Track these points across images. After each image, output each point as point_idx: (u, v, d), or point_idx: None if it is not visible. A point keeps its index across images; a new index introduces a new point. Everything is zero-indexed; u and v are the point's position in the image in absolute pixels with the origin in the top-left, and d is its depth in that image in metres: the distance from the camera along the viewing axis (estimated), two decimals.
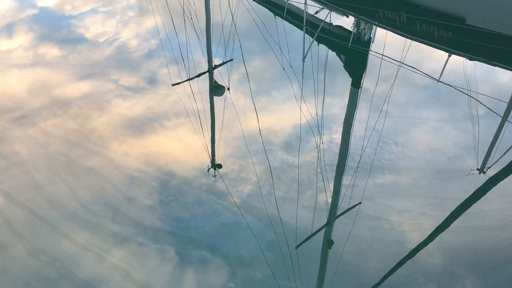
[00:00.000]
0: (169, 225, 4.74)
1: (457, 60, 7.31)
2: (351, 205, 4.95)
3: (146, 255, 4.39)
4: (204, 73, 7.45)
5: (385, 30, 8.02)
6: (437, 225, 4.69)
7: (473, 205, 4.94)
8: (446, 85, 6.86)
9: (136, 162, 5.53)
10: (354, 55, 7.90)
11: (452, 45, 7.30)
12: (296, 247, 4.46)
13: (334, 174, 5.42)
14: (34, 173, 5.36)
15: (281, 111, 6.51)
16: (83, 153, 5.67)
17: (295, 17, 9.02)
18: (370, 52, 7.88)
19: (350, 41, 7.95)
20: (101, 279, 4.18)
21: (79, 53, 8.06)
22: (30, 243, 4.52)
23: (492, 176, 5.34)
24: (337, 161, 5.62)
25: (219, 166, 5.49)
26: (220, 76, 7.32)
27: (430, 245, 4.47)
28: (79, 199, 5.00)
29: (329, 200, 5.08)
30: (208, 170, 5.42)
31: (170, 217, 4.84)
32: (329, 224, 4.79)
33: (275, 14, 9.21)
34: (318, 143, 5.85)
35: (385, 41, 7.72)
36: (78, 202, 4.97)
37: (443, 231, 4.64)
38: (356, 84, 7.21)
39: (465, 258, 4.36)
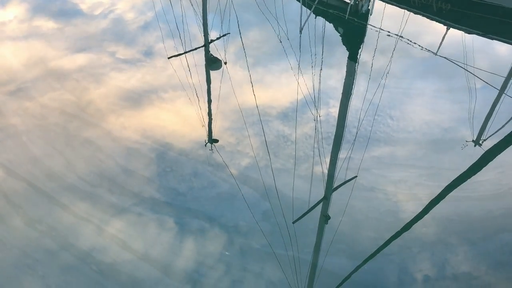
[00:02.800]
0: (167, 196, 4.78)
1: (455, 33, 7.27)
2: (347, 178, 4.99)
3: (145, 225, 4.43)
4: (200, 47, 7.39)
5: (383, 2, 7.95)
6: (432, 195, 4.74)
7: (467, 176, 4.99)
8: (444, 58, 6.84)
9: (133, 135, 5.53)
10: (351, 27, 7.83)
11: (450, 18, 7.25)
12: (293, 222, 4.50)
13: (331, 147, 5.45)
14: (31, 146, 5.36)
15: (278, 84, 6.49)
16: (80, 125, 5.66)
17: None
18: (368, 25, 7.81)
19: (347, 13, 7.87)
20: (99, 249, 4.22)
21: (74, 26, 7.97)
22: (27, 214, 4.54)
23: (488, 149, 5.37)
24: (334, 133, 5.63)
25: (216, 141, 5.50)
26: (216, 49, 7.27)
27: (425, 215, 4.53)
28: (77, 171, 5.01)
29: (326, 172, 5.11)
30: (205, 145, 5.44)
31: (168, 188, 4.87)
32: (326, 198, 4.82)
33: None
34: (315, 116, 5.85)
35: (383, 13, 7.66)
36: (75, 173, 4.99)
37: (437, 201, 4.69)
38: (353, 57, 7.18)
39: (459, 227, 4.43)
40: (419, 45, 7.16)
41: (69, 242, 4.29)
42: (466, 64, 6.68)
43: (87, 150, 5.29)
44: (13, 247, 4.25)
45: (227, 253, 4.19)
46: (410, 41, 7.24)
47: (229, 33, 7.66)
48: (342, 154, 5.30)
